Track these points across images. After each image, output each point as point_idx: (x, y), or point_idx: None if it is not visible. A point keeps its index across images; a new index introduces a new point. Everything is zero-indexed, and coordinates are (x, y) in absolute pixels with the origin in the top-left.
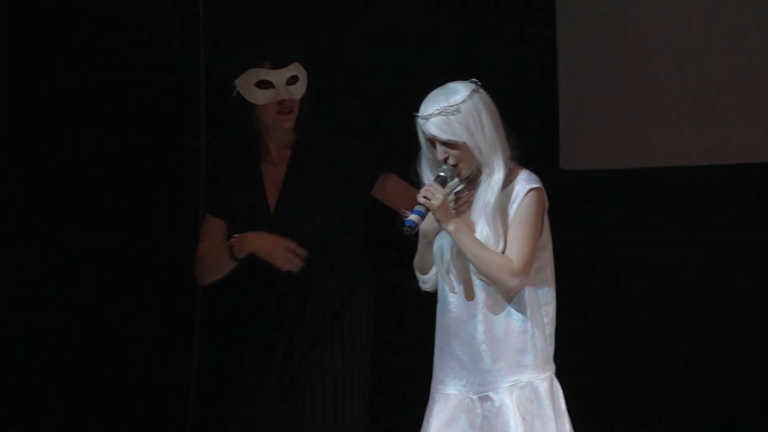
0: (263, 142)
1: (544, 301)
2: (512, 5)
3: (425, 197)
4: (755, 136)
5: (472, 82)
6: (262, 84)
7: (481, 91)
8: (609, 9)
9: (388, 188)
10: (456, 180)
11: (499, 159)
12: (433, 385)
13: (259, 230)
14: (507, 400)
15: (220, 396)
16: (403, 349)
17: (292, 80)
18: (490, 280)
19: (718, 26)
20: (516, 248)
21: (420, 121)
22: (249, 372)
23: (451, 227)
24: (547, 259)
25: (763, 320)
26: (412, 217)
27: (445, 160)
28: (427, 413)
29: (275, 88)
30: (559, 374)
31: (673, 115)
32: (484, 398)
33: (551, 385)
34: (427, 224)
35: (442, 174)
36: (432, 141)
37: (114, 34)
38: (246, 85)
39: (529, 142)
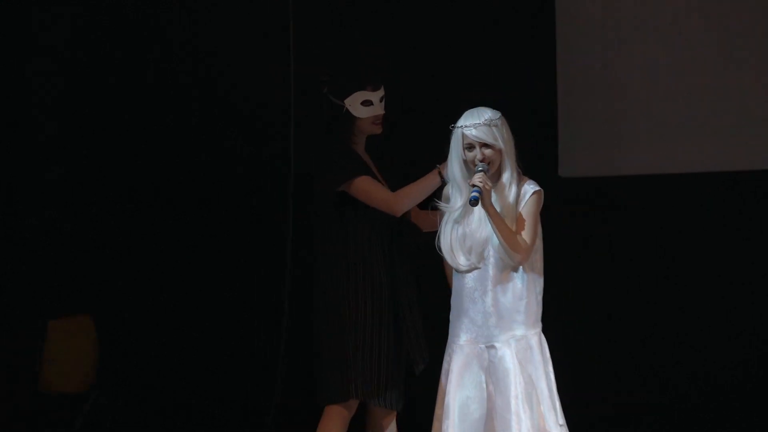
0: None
1: (537, 275)
2: (513, 24)
3: (480, 182)
4: (745, 145)
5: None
6: (366, 102)
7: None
8: (606, 32)
9: None
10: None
11: (516, 167)
12: (450, 338)
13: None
14: (507, 349)
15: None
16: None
17: (383, 98)
18: (507, 249)
19: (708, 43)
20: (526, 231)
21: (465, 130)
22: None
23: (490, 208)
24: (539, 245)
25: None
26: (476, 194)
27: (482, 160)
28: (447, 359)
29: (373, 105)
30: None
31: (661, 127)
32: (490, 347)
33: (540, 339)
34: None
35: (480, 170)
36: (471, 145)
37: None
38: (354, 104)
39: (532, 152)
